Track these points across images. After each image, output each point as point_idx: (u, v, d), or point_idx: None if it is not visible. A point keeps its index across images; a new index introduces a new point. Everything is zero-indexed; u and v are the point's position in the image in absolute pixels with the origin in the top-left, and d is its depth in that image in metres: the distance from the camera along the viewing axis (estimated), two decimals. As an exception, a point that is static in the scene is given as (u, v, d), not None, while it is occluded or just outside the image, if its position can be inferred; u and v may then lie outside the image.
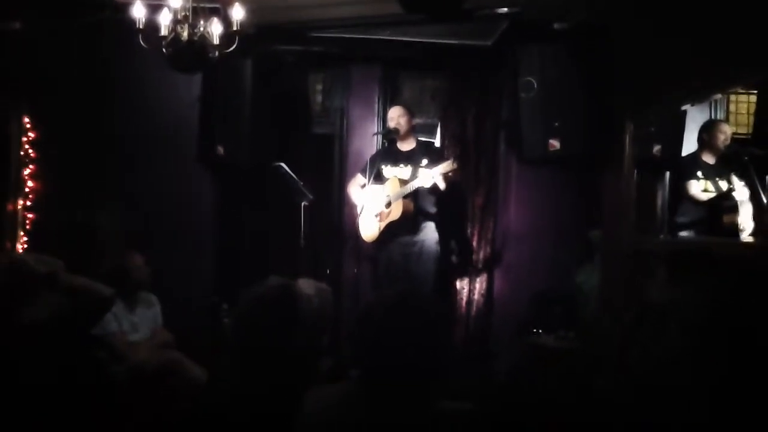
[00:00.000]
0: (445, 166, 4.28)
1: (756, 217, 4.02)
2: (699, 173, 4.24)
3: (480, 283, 5.07)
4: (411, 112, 4.72)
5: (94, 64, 4.53)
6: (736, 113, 5.03)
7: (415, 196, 4.46)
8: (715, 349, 1.63)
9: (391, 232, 4.52)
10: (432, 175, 4.28)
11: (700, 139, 4.35)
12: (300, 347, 2.05)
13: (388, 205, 4.51)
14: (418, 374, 1.61)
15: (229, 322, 4.37)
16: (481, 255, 5.08)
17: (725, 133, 4.34)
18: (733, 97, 4.97)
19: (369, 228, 4.61)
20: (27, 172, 4.45)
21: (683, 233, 4.17)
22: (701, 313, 1.85)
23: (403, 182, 4.48)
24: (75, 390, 2.14)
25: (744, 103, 5.01)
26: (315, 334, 2.32)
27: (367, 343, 1.64)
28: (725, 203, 4.16)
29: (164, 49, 3.48)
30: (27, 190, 4.44)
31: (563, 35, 4.34)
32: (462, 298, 5.08)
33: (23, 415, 2.04)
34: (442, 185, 4.33)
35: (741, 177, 4.18)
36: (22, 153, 4.43)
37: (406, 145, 4.68)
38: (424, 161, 4.45)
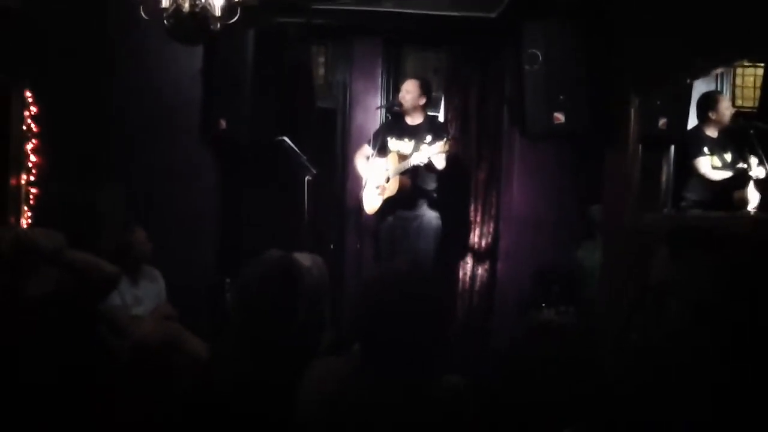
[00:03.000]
0: (439, 147, 4.22)
1: (761, 191, 4.01)
2: (705, 149, 4.22)
3: (482, 258, 5.07)
4: (424, 89, 4.61)
5: (95, 36, 4.49)
6: (743, 86, 4.99)
7: (413, 172, 4.44)
8: (718, 327, 1.63)
9: (389, 206, 4.52)
10: (427, 154, 4.25)
11: (703, 114, 4.31)
12: (302, 319, 2.05)
13: (388, 179, 4.50)
14: (418, 348, 1.62)
15: (231, 296, 4.40)
16: (484, 230, 5.07)
17: (729, 106, 4.31)
18: (739, 71, 4.93)
19: (371, 201, 4.62)
20: (30, 146, 4.43)
21: (692, 209, 4.16)
22: (704, 290, 1.84)
23: (403, 157, 4.45)
24: (77, 364, 2.16)
25: (750, 76, 4.97)
26: (316, 306, 2.33)
27: (368, 317, 1.64)
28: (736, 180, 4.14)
29: (165, 21, 3.45)
30: (30, 164, 4.43)
31: (569, 6, 4.28)
32: (464, 273, 5.09)
33: (27, 388, 2.06)
34: (440, 164, 4.31)
35: (748, 151, 4.16)
36: (24, 127, 4.42)
37: (414, 119, 4.65)
38: (428, 137, 4.41)
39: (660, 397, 1.50)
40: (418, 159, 4.28)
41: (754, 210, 3.92)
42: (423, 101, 4.62)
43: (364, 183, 4.67)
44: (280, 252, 2.12)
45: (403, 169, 4.40)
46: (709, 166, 4.21)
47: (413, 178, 4.46)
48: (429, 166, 4.35)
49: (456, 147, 4.43)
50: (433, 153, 4.23)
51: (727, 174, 4.21)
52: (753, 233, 2.49)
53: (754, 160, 4.13)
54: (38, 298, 2.22)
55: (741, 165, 4.17)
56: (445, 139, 4.28)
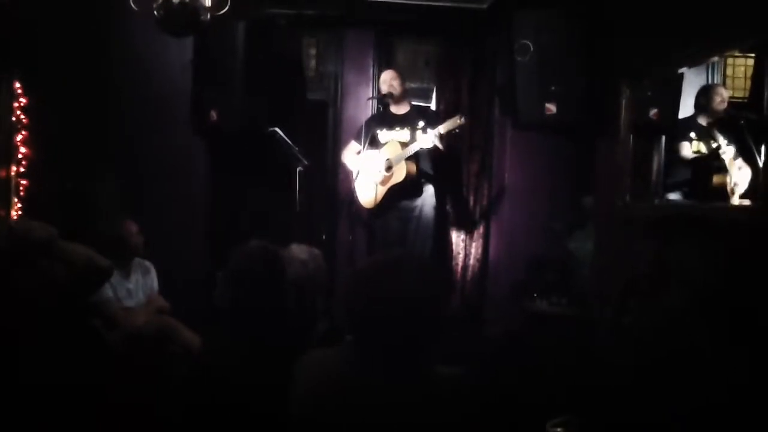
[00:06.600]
0: (452, 123, 4.26)
1: (751, 180, 4.04)
2: (692, 135, 4.25)
3: (475, 249, 5.10)
4: (403, 76, 4.71)
5: (85, 27, 4.46)
6: (733, 77, 5.00)
7: (416, 158, 4.46)
8: (709, 313, 1.64)
9: (393, 196, 4.51)
10: (435, 134, 4.27)
11: (697, 103, 4.34)
12: (292, 309, 2.05)
13: (389, 168, 4.48)
14: (412, 339, 1.61)
15: (217, 288, 4.38)
16: (476, 221, 5.09)
17: (722, 95, 4.33)
18: (730, 61, 4.94)
19: (368, 193, 4.58)
20: (19, 138, 4.40)
21: (675, 195, 4.19)
22: (696, 277, 1.86)
23: (404, 145, 4.46)
24: (71, 357, 2.16)
25: (741, 66, 4.98)
26: (310, 297, 2.33)
27: (361, 307, 1.63)
28: (714, 164, 4.17)
29: (155, 12, 3.43)
30: (20, 156, 4.40)
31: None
32: (457, 263, 5.10)
33: (20, 381, 2.05)
34: (441, 146, 4.32)
35: (737, 141, 4.18)
36: (13, 119, 4.38)
37: (401, 109, 4.66)
38: (421, 123, 4.44)
39: (654, 382, 1.51)
40: (426, 141, 4.31)
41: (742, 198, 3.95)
42: (406, 86, 4.73)
43: (355, 177, 4.63)
44: (262, 242, 2.12)
45: (407, 155, 4.41)
46: (691, 151, 4.24)
47: (417, 162, 4.48)
48: (434, 149, 4.35)
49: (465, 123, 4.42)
50: (447, 130, 4.27)
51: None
52: (748, 221, 2.50)
53: (729, 147, 4.16)
54: (32, 290, 2.21)
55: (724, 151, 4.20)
56: (458, 115, 4.33)
